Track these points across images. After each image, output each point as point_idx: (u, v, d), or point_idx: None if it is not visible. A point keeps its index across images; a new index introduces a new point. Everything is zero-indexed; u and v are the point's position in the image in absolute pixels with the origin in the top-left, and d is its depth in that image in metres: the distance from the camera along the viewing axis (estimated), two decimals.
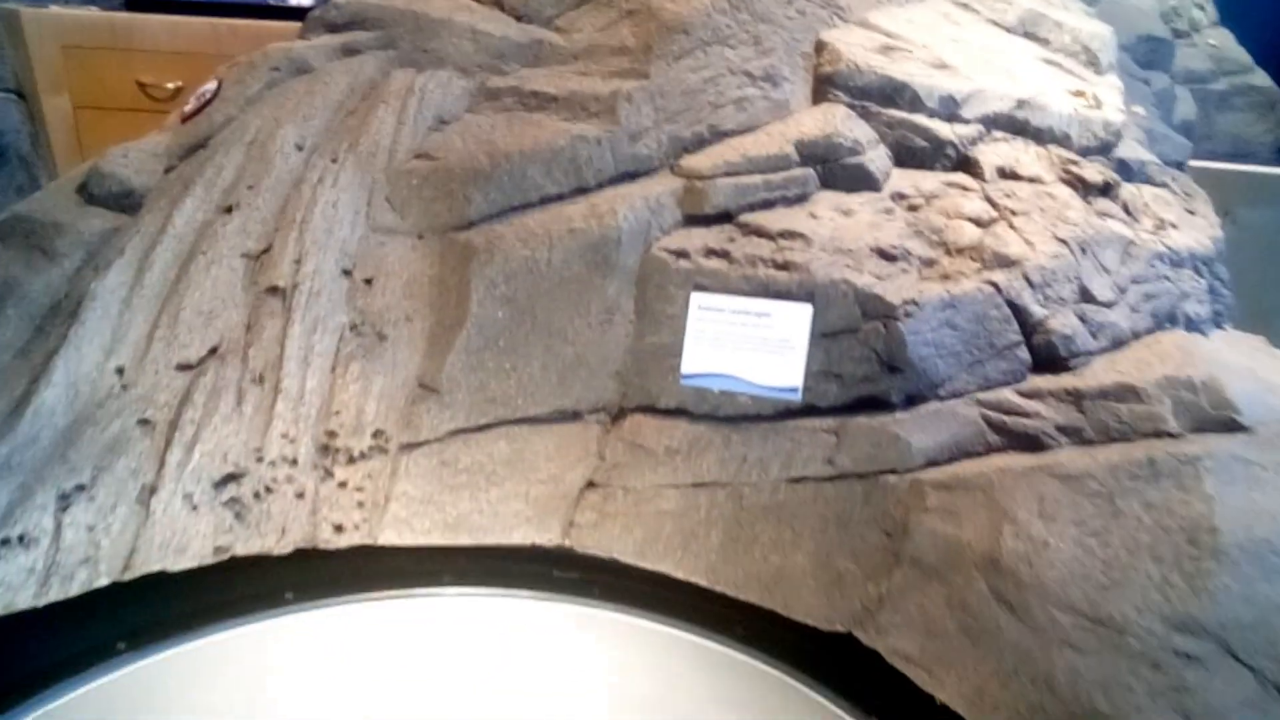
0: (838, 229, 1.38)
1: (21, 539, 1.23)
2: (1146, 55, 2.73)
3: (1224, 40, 3.14)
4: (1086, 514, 1.15)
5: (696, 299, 1.35)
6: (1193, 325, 1.53)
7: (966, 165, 1.52)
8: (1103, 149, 1.71)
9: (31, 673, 1.26)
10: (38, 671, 1.26)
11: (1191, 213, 1.80)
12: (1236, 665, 1.02)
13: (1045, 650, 1.08)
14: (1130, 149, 1.80)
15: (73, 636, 1.28)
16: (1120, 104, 1.83)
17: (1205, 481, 1.15)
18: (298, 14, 3.62)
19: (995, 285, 1.33)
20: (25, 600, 1.22)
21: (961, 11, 1.87)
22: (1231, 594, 1.06)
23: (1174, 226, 1.66)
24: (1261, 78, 3.09)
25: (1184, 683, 1.01)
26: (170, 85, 3.71)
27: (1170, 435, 1.21)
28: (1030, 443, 1.25)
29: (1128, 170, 1.75)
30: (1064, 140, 1.64)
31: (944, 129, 1.52)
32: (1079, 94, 1.73)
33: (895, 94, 1.53)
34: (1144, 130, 2.06)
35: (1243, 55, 3.12)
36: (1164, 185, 1.81)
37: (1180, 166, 2.18)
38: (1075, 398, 1.26)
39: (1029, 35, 1.90)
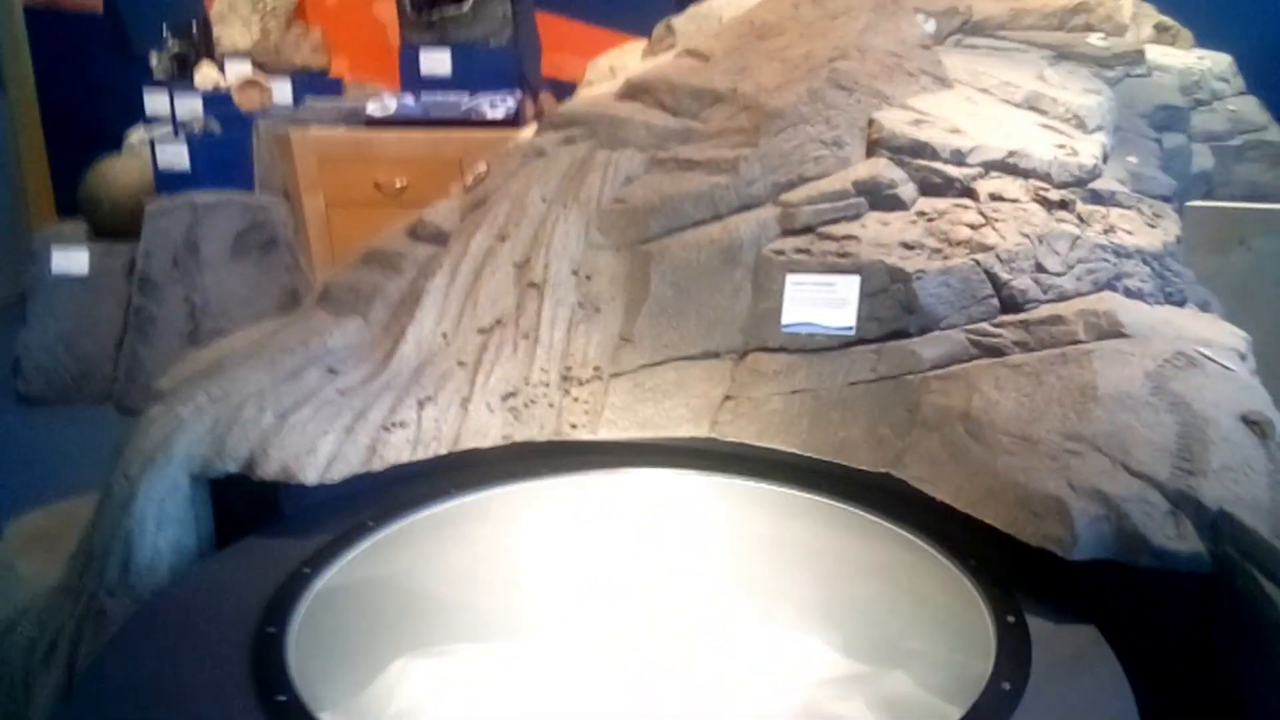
0: (878, 233, 2.22)
1: (400, 424, 2.14)
2: (1163, 120, 3.46)
3: (1245, 105, 3.82)
4: (1022, 384, 1.94)
5: (790, 278, 2.20)
6: (1132, 295, 2.29)
7: (968, 193, 2.33)
8: (1079, 183, 2.49)
9: (403, 500, 2.15)
10: (407, 500, 2.15)
11: (1153, 226, 2.55)
12: (1098, 455, 1.78)
13: (993, 458, 1.86)
14: (1105, 184, 2.57)
15: (421, 482, 2.17)
16: (1097, 153, 2.60)
17: (1094, 362, 1.92)
18: (492, 124, 4.65)
19: (977, 261, 2.14)
20: (403, 458, 2.12)
21: (980, 94, 2.69)
22: (1100, 419, 1.83)
23: (1128, 232, 2.42)
24: (1275, 133, 3.76)
25: (1068, 466, 1.78)
26: (398, 184, 4.71)
27: (1079, 342, 1.99)
28: (995, 351, 2.04)
29: (1100, 197, 2.52)
30: (1045, 177, 2.43)
31: (954, 170, 2.35)
32: (1060, 146, 2.52)
33: (920, 149, 2.36)
34: (1130, 173, 2.82)
35: (1260, 116, 3.79)
36: (1132, 208, 2.57)
37: (1168, 199, 2.91)
38: (1025, 325, 2.06)
39: (1031, 108, 2.71)
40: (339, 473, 2.05)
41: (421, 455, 2.13)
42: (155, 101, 5.18)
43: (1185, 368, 1.94)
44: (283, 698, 1.52)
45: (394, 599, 2.12)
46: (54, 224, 5.58)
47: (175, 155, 4.48)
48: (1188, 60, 3.82)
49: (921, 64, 2.64)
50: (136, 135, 5.17)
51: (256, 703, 1.50)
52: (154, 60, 5.28)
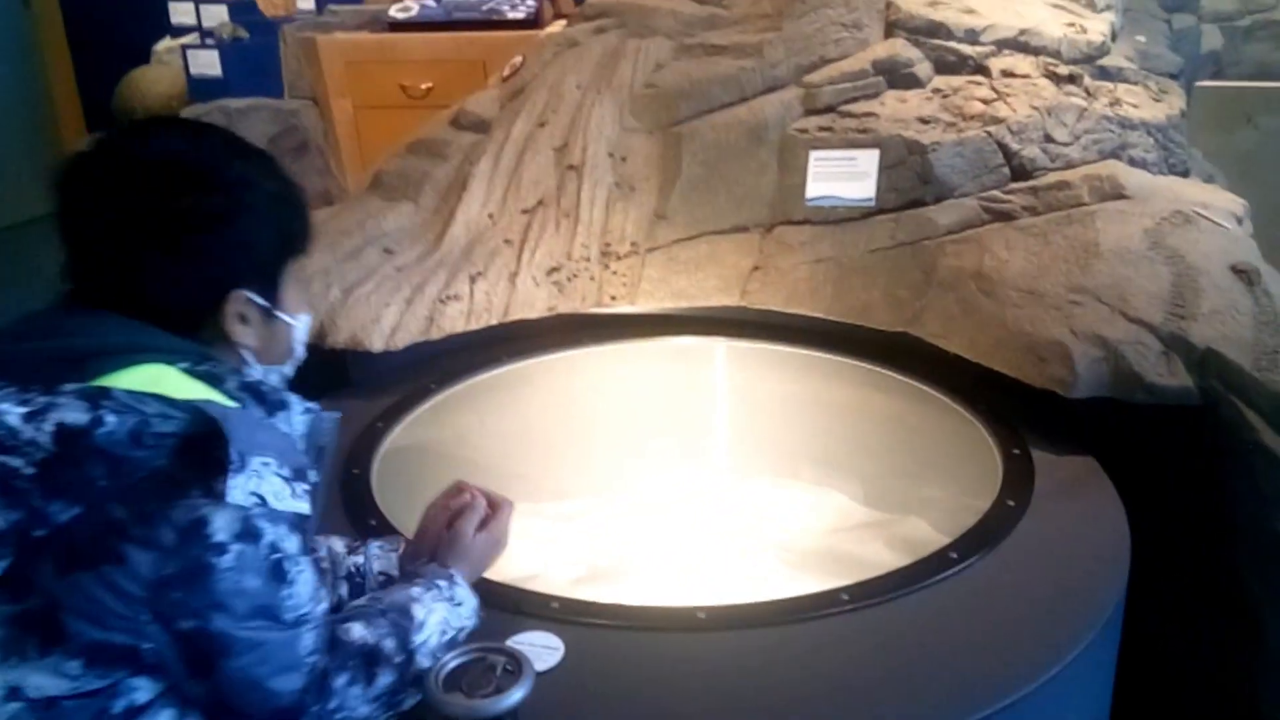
0: (896, 109, 2.36)
1: (455, 297, 2.31)
2: (1173, 1, 3.55)
3: None
4: (1030, 244, 2.10)
5: (814, 154, 2.35)
6: (1136, 164, 2.43)
7: (981, 70, 2.46)
8: (1087, 59, 2.61)
9: (456, 366, 2.33)
10: (459, 366, 2.34)
11: (1157, 101, 2.67)
12: (1099, 304, 1.95)
13: (1002, 311, 2.03)
14: (1113, 60, 2.69)
15: (473, 350, 2.36)
16: (1106, 31, 2.71)
17: (1096, 222, 2.08)
18: (514, 24, 4.72)
19: (989, 133, 2.28)
20: (458, 327, 2.30)
21: None
22: (1101, 273, 1.99)
23: (1134, 106, 2.55)
24: None
25: (1071, 315, 1.95)
26: (424, 86, 4.79)
27: (1084, 204, 2.15)
28: (1005, 216, 2.20)
29: (1107, 73, 2.64)
30: (1054, 54, 2.55)
31: (967, 49, 2.48)
32: (1070, 25, 2.64)
33: (935, 29, 2.49)
34: (1139, 51, 2.93)
35: None
36: (1138, 83, 2.69)
37: (1175, 76, 3.03)
38: (1034, 191, 2.21)
39: None
40: (401, 341, 2.24)
41: (475, 326, 2.32)
42: (180, 12, 5.27)
43: (1181, 225, 2.09)
44: (373, 521, 1.73)
45: (454, 456, 2.32)
46: (86, 135, 5.71)
47: (207, 62, 4.59)
48: None
49: None
50: (164, 45, 5.27)
51: (351, 528, 1.71)
52: None
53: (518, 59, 2.77)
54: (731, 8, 2.63)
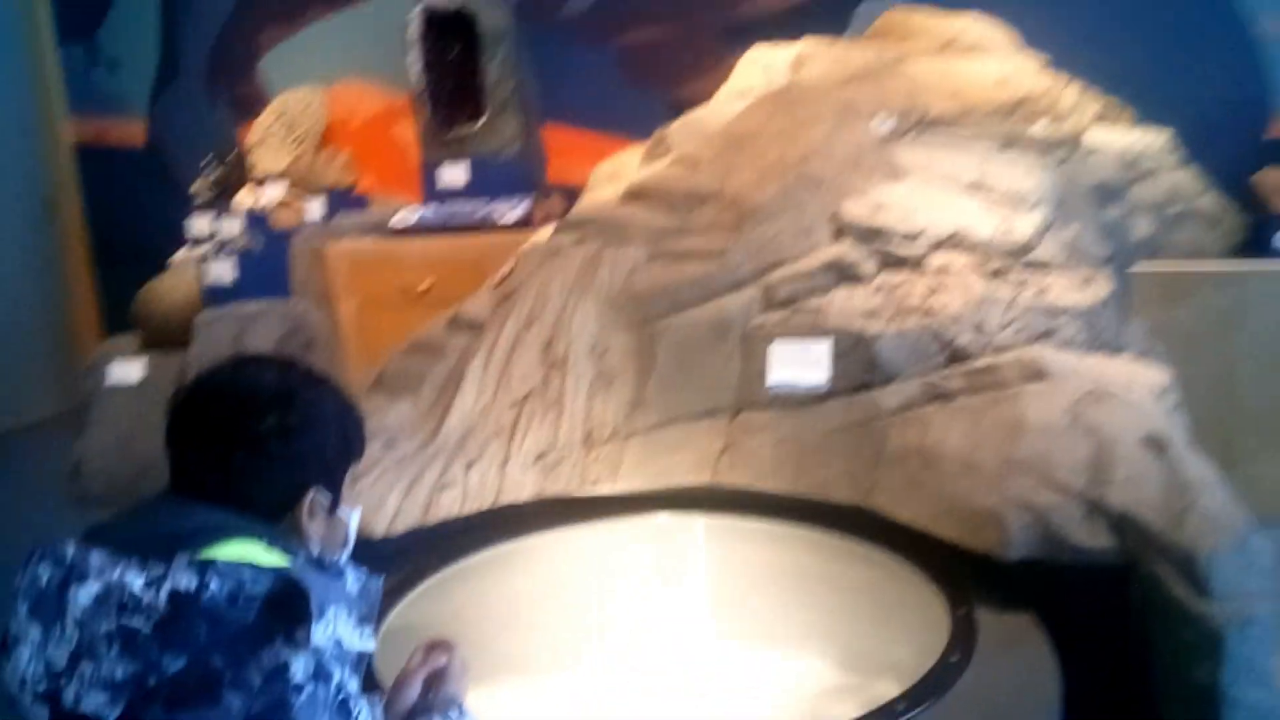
0: (845, 304, 2.65)
1: (450, 484, 2.54)
2: (1103, 194, 3.91)
3: (1180, 177, 4.25)
4: (965, 422, 2.34)
5: (773, 345, 2.62)
6: (1063, 346, 2.70)
7: (919, 267, 2.77)
8: (1016, 254, 2.92)
9: (452, 548, 2.54)
10: (455, 548, 2.54)
11: (1085, 287, 2.97)
12: (1027, 474, 2.18)
13: (944, 483, 2.25)
14: (1043, 252, 3.00)
15: (467, 533, 2.57)
16: (1033, 227, 3.03)
17: (1022, 401, 2.33)
18: (507, 228, 5.09)
19: (927, 324, 2.56)
20: (453, 512, 2.52)
21: (930, 182, 3.13)
22: (1028, 446, 2.23)
23: (1061, 293, 2.84)
24: (1209, 200, 4.19)
25: (1004, 485, 2.18)
26: (423, 286, 5.13)
27: (1011, 385, 2.40)
28: (944, 397, 2.45)
29: (1037, 265, 2.95)
30: (985, 251, 2.86)
31: (906, 249, 2.78)
32: (999, 224, 2.96)
33: (878, 233, 2.80)
34: (1069, 242, 3.25)
35: (1195, 185, 4.22)
36: (1066, 272, 2.99)
37: (1105, 263, 3.34)
38: (967, 374, 2.47)
39: (975, 191, 3.15)
40: (401, 526, 2.46)
41: (468, 510, 2.54)
42: (198, 224, 5.68)
43: (1098, 401, 2.34)
44: (379, 698, 1.90)
45: (450, 634, 2.49)
46: (105, 341, 6.03)
47: (222, 271, 4.96)
48: (1128, 138, 4.26)
49: (878, 160, 3.10)
50: (180, 255, 5.66)
51: None
52: (196, 187, 5.80)
53: (509, 265, 3.08)
54: (697, 218, 2.95)
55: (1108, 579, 2.07)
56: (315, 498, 1.48)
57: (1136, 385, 2.53)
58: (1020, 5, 4.38)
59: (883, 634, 2.49)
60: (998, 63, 4.10)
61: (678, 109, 4.89)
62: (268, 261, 5.19)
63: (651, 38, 5.37)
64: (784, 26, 4.82)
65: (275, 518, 1.46)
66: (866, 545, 2.44)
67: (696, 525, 2.66)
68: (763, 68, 4.25)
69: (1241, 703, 1.85)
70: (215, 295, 5.03)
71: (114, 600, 1.28)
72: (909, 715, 1.79)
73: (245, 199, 5.56)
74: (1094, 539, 2.06)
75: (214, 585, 1.26)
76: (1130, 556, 2.04)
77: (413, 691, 1.69)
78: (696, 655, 2.66)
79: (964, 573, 2.22)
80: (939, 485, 2.26)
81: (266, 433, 1.43)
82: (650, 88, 5.35)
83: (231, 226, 5.47)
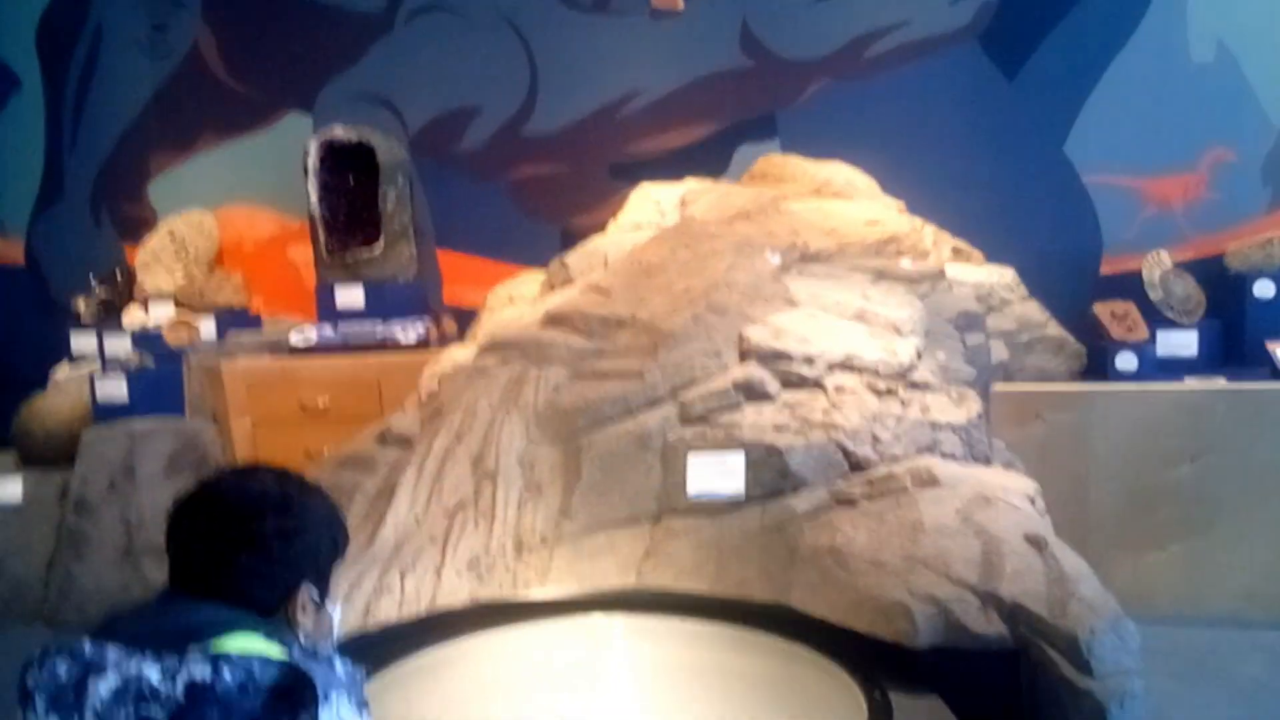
0: (755, 419, 2.91)
1: (387, 590, 2.65)
2: (964, 323, 4.33)
3: (1027, 309, 4.74)
4: (870, 523, 2.61)
5: (691, 457, 2.85)
6: (946, 457, 3.01)
7: (819, 385, 3.06)
8: (900, 375, 3.25)
9: (391, 652, 2.62)
10: (392, 652, 2.62)
11: (958, 405, 3.31)
12: (927, 570, 2.44)
13: (854, 580, 2.50)
14: (920, 374, 3.34)
15: (407, 637, 2.66)
16: (911, 352, 3.38)
17: (919, 505, 2.61)
18: (405, 348, 5.23)
19: (830, 436, 2.84)
20: (391, 617, 2.62)
21: (820, 311, 3.47)
22: (927, 544, 2.50)
23: (939, 410, 3.18)
24: (1054, 328, 4.68)
25: (908, 580, 2.43)
26: (321, 403, 5.20)
27: (905, 489, 2.69)
28: (849, 501, 2.72)
29: (916, 385, 3.28)
30: (874, 372, 3.18)
31: (806, 370, 3.08)
32: (884, 348, 3.29)
33: (779, 355, 3.09)
34: (940, 365, 3.62)
35: (1040, 316, 4.71)
36: (941, 391, 3.34)
37: (970, 384, 3.72)
38: (869, 481, 2.75)
39: (860, 319, 3.49)
40: (340, 631, 2.54)
41: (406, 614, 2.64)
42: (81, 342, 5.62)
43: (984, 505, 2.65)
44: None
45: None
46: None
47: (114, 388, 4.91)
48: (980, 274, 4.72)
49: (775, 289, 3.42)
50: (63, 373, 5.57)
51: None
52: (79, 305, 5.75)
53: (433, 386, 3.25)
54: (614, 342, 3.20)
55: (1002, 662, 2.33)
56: (306, 593, 1.62)
57: (1011, 491, 2.85)
58: (877, 157, 4.88)
59: None
60: (865, 204, 4.54)
61: (568, 238, 5.20)
62: (161, 379, 5.17)
63: (542, 172, 5.68)
64: (667, 166, 5.22)
65: (269, 612, 1.59)
66: (784, 640, 2.65)
67: (620, 624, 2.82)
68: (654, 203, 4.59)
69: None
70: (106, 412, 4.99)
71: (132, 692, 1.39)
72: None
73: (136, 318, 5.55)
74: (990, 627, 2.32)
75: (227, 675, 1.39)
76: (1022, 642, 2.31)
77: None
78: None
79: (875, 660, 2.45)
80: (850, 581, 2.50)
81: (269, 534, 1.58)
82: (541, 218, 5.64)
83: (120, 345, 5.45)
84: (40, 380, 5.69)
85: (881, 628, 2.39)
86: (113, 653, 1.43)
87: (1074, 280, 4.91)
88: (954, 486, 2.73)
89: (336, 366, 5.22)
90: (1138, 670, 2.22)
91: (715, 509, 2.81)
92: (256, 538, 1.57)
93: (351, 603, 2.58)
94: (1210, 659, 3.49)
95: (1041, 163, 5.02)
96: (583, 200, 5.52)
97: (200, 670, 1.39)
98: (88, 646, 1.45)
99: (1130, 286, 4.65)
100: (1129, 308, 4.54)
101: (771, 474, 2.80)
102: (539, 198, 5.67)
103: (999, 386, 4.33)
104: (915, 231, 4.50)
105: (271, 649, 1.47)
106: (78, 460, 5.03)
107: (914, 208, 4.70)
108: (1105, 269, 4.95)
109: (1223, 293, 4.55)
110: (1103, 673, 2.18)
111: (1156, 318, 4.49)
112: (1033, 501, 2.92)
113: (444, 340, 5.18)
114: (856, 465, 2.83)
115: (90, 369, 5.36)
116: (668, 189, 4.73)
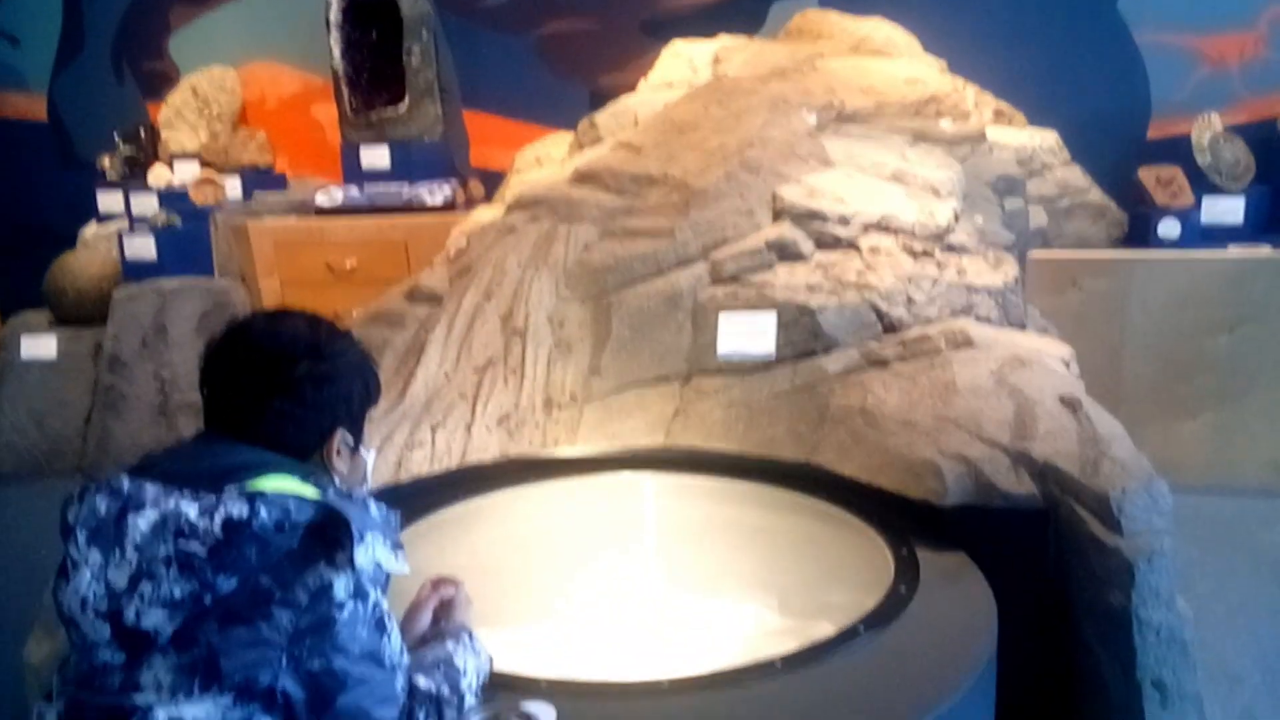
0: (787, 279, 2.87)
1: (418, 445, 2.67)
2: (1004, 187, 4.22)
3: (1069, 174, 4.61)
4: (902, 384, 2.58)
5: (722, 316, 2.82)
6: (980, 320, 2.97)
7: (853, 246, 3.00)
8: (937, 238, 3.18)
9: (423, 505, 2.66)
10: (424, 505, 2.66)
11: (995, 269, 3.25)
12: (959, 430, 2.42)
13: (884, 439, 2.48)
14: (957, 237, 3.27)
15: (439, 490, 2.69)
16: (950, 214, 3.30)
17: (953, 366, 2.58)
18: (431, 210, 5.18)
19: (864, 297, 2.79)
20: (422, 471, 2.64)
21: (858, 173, 3.38)
22: (959, 405, 2.48)
23: (976, 274, 3.11)
24: (1096, 194, 4.56)
25: (938, 440, 2.42)
26: (348, 264, 5.19)
27: (939, 351, 2.65)
28: (881, 362, 2.69)
29: (953, 248, 3.21)
30: (910, 233, 3.11)
31: (841, 230, 3.02)
32: (922, 210, 3.21)
33: (814, 215, 3.03)
34: (978, 229, 3.54)
35: (1083, 181, 4.59)
36: (978, 255, 3.27)
37: (1008, 249, 3.64)
38: (902, 342, 2.71)
39: (897, 181, 3.40)
40: (373, 483, 2.57)
41: (436, 469, 2.67)
42: (108, 201, 5.60)
43: (1019, 367, 2.61)
44: None
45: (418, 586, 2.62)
46: (10, 318, 5.88)
47: (142, 246, 4.91)
48: (1021, 138, 4.60)
49: (810, 149, 3.33)
50: (91, 231, 5.57)
51: None
52: (104, 163, 5.70)
53: (462, 241, 3.21)
54: (646, 199, 3.13)
55: (1032, 521, 2.33)
56: (340, 438, 1.63)
57: (1047, 354, 2.81)
58: (919, 13, 4.69)
59: (823, 580, 2.72)
60: (905, 63, 4.39)
61: (596, 99, 5.07)
62: (188, 238, 5.16)
63: (570, 29, 5.52)
64: (700, 23, 5.04)
65: (304, 456, 1.59)
66: (812, 497, 2.66)
67: (649, 482, 2.84)
68: (686, 61, 4.45)
69: (1149, 624, 2.12)
70: (135, 271, 4.99)
71: (171, 527, 1.41)
72: (869, 636, 2.01)
73: (161, 176, 5.50)
74: (1020, 486, 2.31)
75: (263, 513, 1.40)
76: (1051, 500, 2.30)
77: (424, 619, 1.84)
78: (646, 601, 2.84)
79: (903, 518, 2.46)
80: (880, 441, 2.49)
81: (301, 379, 1.57)
82: (569, 77, 5.49)
83: (146, 203, 5.42)
84: (69, 238, 5.69)
85: (910, 486, 2.39)
86: (151, 489, 1.45)
87: (1119, 144, 4.75)
88: (989, 348, 2.69)
89: (363, 228, 5.19)
90: (1169, 530, 2.21)
91: (745, 369, 2.79)
92: (289, 383, 1.56)
93: (384, 456, 2.60)
94: (1236, 527, 3.49)
95: (1093, 20, 4.80)
96: (613, 57, 5.36)
97: (237, 508, 1.40)
98: (126, 483, 1.47)
99: (1178, 151, 4.50)
100: (1175, 173, 4.40)
101: (803, 334, 2.77)
102: (568, 55, 5.51)
103: (1036, 254, 4.25)
104: (956, 92, 4.36)
105: (306, 490, 1.48)
106: (110, 319, 5.07)
107: (956, 67, 4.54)
108: (1153, 133, 4.77)
109: (1274, 156, 4.40)
110: (1133, 531, 2.18)
111: (1203, 183, 4.35)
112: (1068, 365, 2.89)
113: (471, 203, 5.12)
114: (890, 327, 2.79)
115: (118, 227, 5.36)
116: (701, 46, 4.58)
